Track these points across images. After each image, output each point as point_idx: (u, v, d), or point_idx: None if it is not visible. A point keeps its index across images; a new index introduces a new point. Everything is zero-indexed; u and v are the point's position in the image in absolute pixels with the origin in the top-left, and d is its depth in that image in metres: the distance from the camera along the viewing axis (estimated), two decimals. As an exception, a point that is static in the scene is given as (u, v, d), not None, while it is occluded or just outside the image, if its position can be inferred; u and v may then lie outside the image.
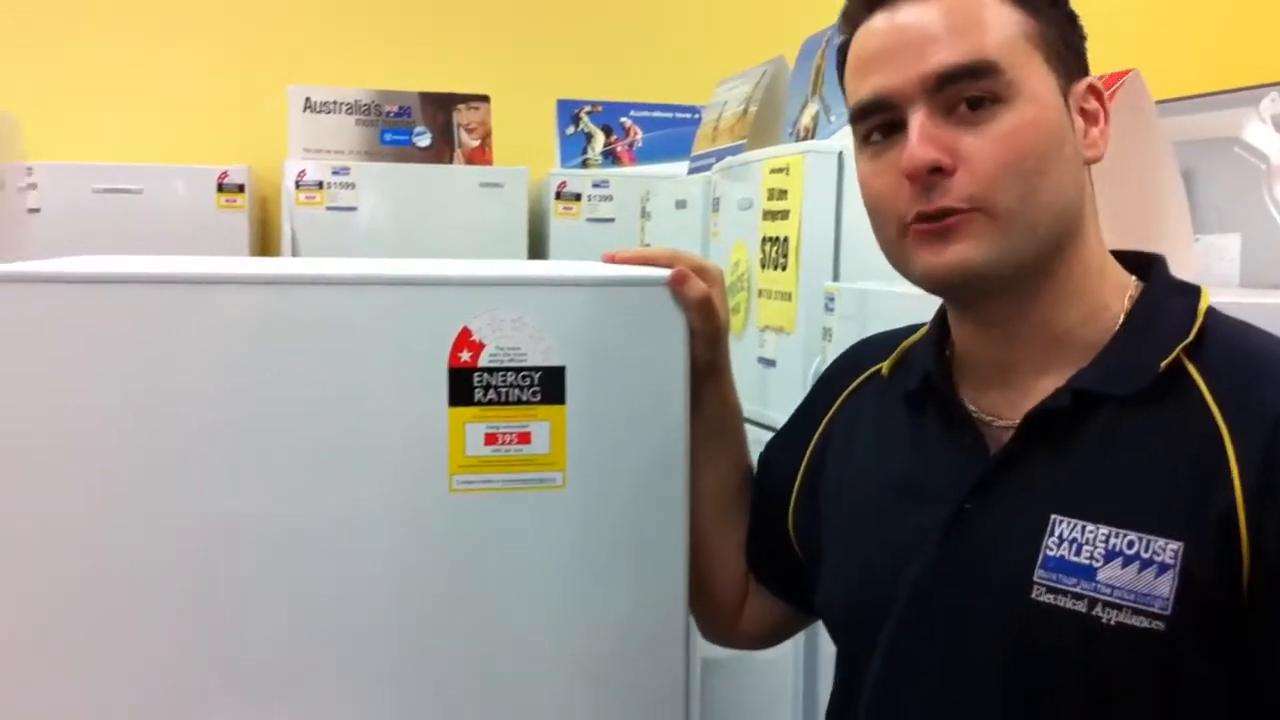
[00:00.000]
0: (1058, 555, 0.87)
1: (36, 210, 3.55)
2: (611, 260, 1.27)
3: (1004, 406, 0.96)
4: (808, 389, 1.87)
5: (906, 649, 0.94)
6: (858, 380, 1.12)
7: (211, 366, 1.13)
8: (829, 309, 1.82)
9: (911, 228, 0.93)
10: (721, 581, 1.24)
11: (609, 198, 4.02)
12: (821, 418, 1.14)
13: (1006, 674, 0.89)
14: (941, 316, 1.04)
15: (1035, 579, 0.87)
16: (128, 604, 1.12)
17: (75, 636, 1.11)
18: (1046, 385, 0.93)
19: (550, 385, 1.17)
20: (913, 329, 1.10)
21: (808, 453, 1.14)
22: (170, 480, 1.12)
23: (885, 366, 1.09)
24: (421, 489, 1.16)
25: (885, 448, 1.03)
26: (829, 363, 1.72)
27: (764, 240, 2.09)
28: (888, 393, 1.06)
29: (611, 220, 3.97)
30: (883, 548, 0.98)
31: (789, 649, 1.86)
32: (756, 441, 1.28)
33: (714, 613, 1.26)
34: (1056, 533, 0.87)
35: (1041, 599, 0.87)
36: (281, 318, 1.14)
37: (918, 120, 0.91)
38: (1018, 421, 0.93)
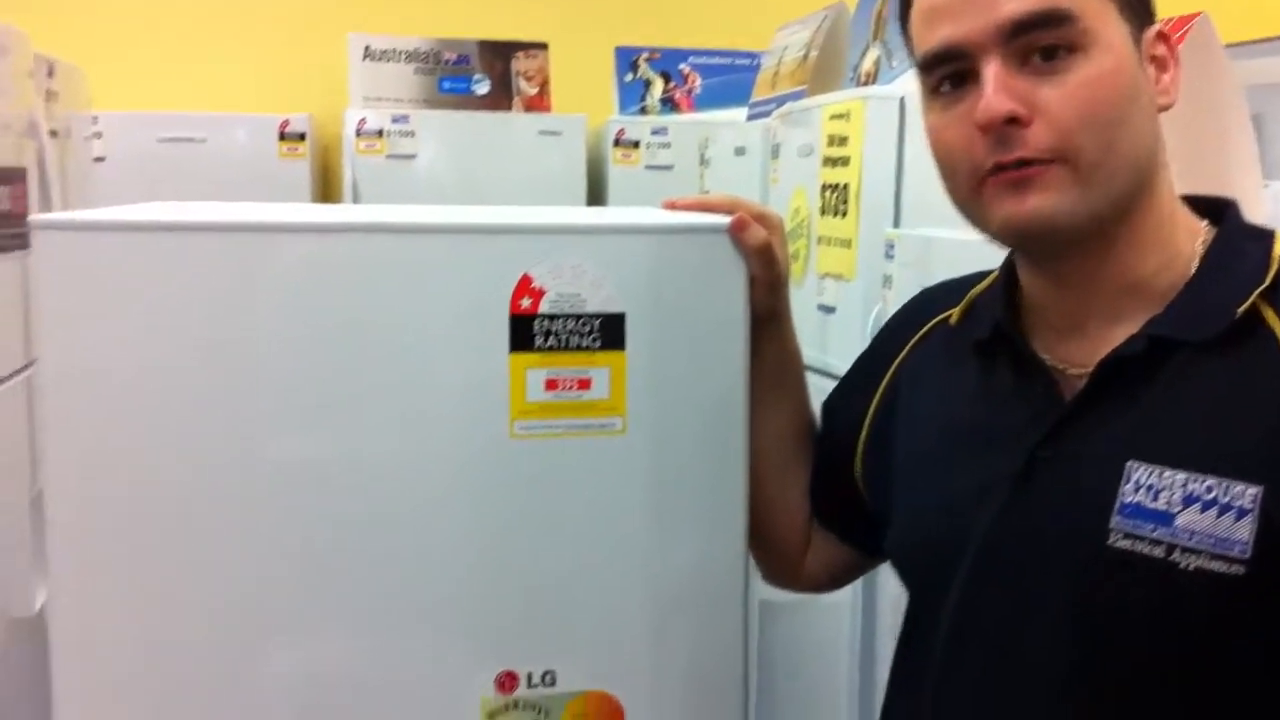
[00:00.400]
0: (1134, 501, 0.86)
1: (102, 159, 3.60)
2: (671, 207, 1.27)
3: (1076, 354, 0.95)
4: (868, 337, 1.87)
5: (978, 595, 0.95)
6: (925, 329, 1.12)
7: (276, 313, 1.14)
8: (889, 256, 1.81)
9: (989, 179, 0.92)
10: (784, 527, 1.25)
11: (667, 145, 4.01)
12: (888, 366, 1.14)
13: (1079, 621, 0.89)
14: (1010, 264, 1.04)
15: (1112, 525, 0.87)
16: (197, 545, 1.15)
17: (145, 578, 1.14)
18: (1119, 333, 0.92)
19: (610, 331, 1.18)
20: (980, 276, 1.10)
21: (874, 400, 1.14)
22: (236, 426, 1.14)
23: (954, 315, 1.08)
24: (483, 434, 1.17)
25: (954, 396, 1.03)
26: (892, 311, 1.72)
27: (824, 187, 2.08)
28: (956, 341, 1.06)
29: (670, 168, 3.96)
30: (953, 495, 0.98)
31: (847, 593, 1.87)
32: (817, 389, 1.28)
33: (776, 558, 1.27)
34: (1133, 479, 0.87)
35: (1118, 545, 0.86)
36: (345, 265, 1.15)
37: (992, 70, 0.90)
38: (1091, 369, 0.92)
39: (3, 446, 1.69)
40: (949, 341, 1.08)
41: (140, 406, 1.12)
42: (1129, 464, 0.87)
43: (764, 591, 1.43)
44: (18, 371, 1.85)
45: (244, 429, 1.14)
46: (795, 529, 1.25)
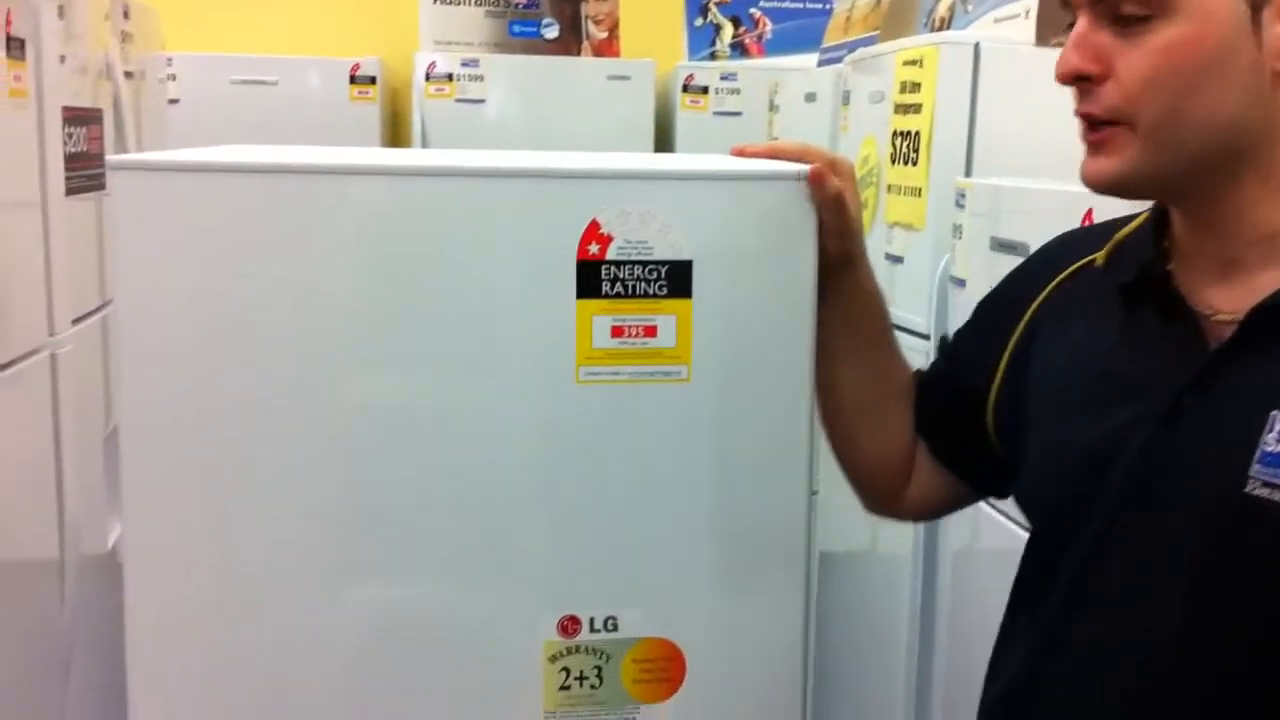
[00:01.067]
0: (1276, 451, 0.86)
1: (176, 101, 3.63)
2: (741, 154, 1.26)
3: (1224, 301, 0.94)
4: (937, 287, 1.85)
5: (1109, 538, 0.94)
6: (1065, 272, 1.10)
7: (346, 256, 1.15)
8: (960, 205, 1.79)
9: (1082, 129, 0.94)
10: (879, 463, 1.25)
11: (737, 91, 3.98)
12: (1024, 309, 1.12)
13: (1207, 566, 0.89)
14: (1161, 207, 1.02)
15: (1251, 473, 0.86)
16: (267, 485, 1.16)
17: (217, 517, 1.16)
18: (1269, 281, 0.91)
19: (677, 279, 1.18)
20: (1127, 220, 1.08)
21: (1010, 343, 1.12)
22: (307, 367, 1.16)
23: (1100, 257, 1.07)
24: (549, 380, 1.18)
25: (1097, 339, 1.02)
26: (960, 262, 1.71)
27: (895, 134, 2.05)
28: (1100, 284, 1.04)
29: (739, 114, 3.93)
30: (1092, 439, 0.97)
31: (908, 545, 1.87)
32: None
33: (873, 490, 1.27)
34: (1276, 428, 0.86)
35: (1255, 493, 0.86)
36: (414, 209, 1.16)
37: (1078, 26, 0.92)
38: (1240, 316, 0.91)
39: (79, 385, 1.72)
40: (1092, 285, 1.06)
41: (214, 346, 1.14)
42: (1273, 414, 0.87)
43: (824, 543, 1.44)
44: (94, 311, 1.88)
45: (315, 370, 1.16)
46: (892, 464, 1.24)
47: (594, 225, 1.16)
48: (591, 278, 1.17)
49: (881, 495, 1.28)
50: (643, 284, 1.17)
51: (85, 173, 1.83)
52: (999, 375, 1.13)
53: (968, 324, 1.22)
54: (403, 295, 1.16)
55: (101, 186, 1.91)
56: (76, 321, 1.76)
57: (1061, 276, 1.10)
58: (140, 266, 1.13)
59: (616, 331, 1.18)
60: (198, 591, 1.17)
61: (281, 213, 1.14)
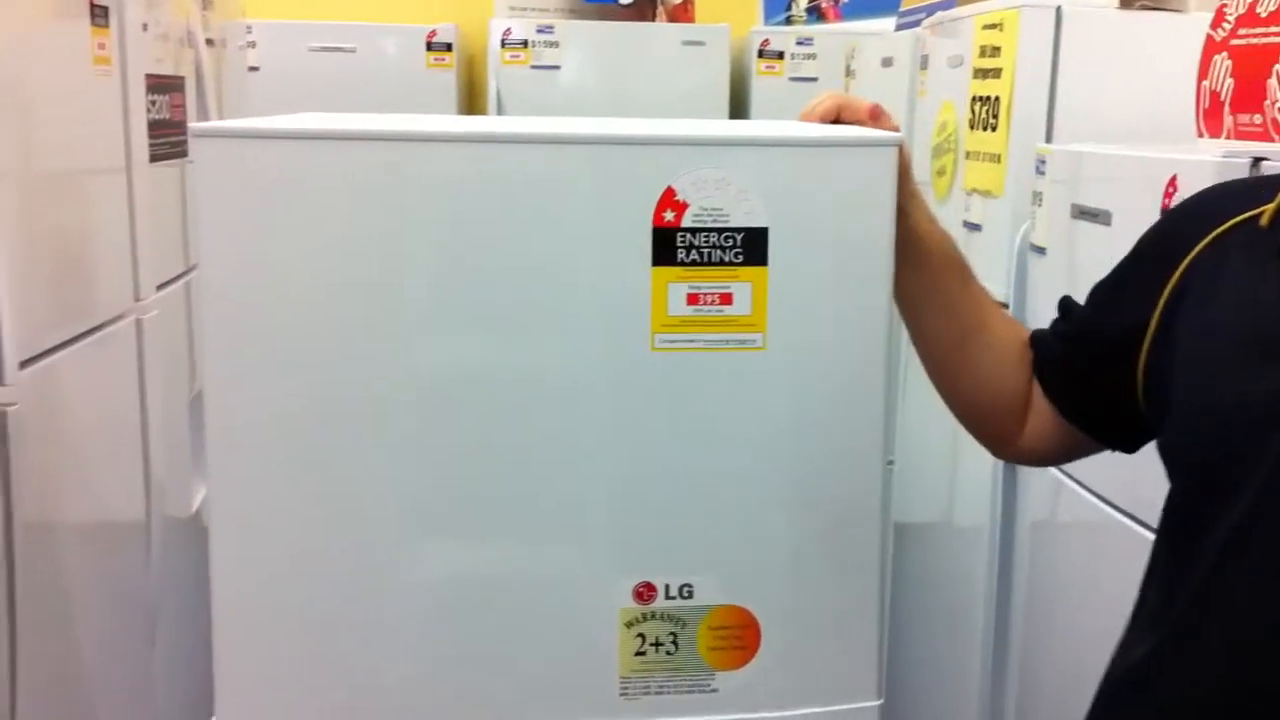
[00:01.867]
0: None
1: (255, 69, 3.67)
2: (808, 119, 1.25)
3: None
4: (1016, 255, 1.83)
5: (1263, 500, 0.92)
6: (1221, 228, 1.06)
7: (423, 222, 1.16)
8: (1040, 172, 1.77)
9: None
10: (984, 403, 1.22)
11: (812, 56, 3.94)
12: (1176, 265, 1.08)
13: None
14: None
15: None
16: (348, 449, 1.18)
17: (299, 480, 1.18)
18: None
19: (753, 246, 1.17)
20: None
21: (1162, 298, 1.08)
22: (386, 332, 1.17)
23: (1265, 215, 1.03)
24: (624, 347, 1.18)
25: (1256, 298, 0.99)
26: (1040, 230, 1.68)
27: (974, 100, 2.02)
28: (1262, 243, 1.01)
29: (815, 80, 3.89)
30: (1252, 400, 0.95)
31: (985, 517, 1.85)
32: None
33: (984, 433, 1.25)
34: None
35: None
36: (490, 175, 1.16)
37: None
38: None
39: (163, 350, 1.75)
40: (1253, 242, 1.02)
41: (294, 311, 1.16)
42: None
43: (899, 513, 1.43)
44: (178, 277, 1.91)
45: (394, 335, 1.17)
46: (998, 406, 1.22)
47: (669, 192, 1.16)
48: (667, 245, 1.16)
49: (994, 438, 1.26)
50: (718, 251, 1.17)
51: (168, 140, 1.86)
52: (1152, 328, 1.08)
53: (1114, 275, 1.18)
54: (480, 262, 1.17)
55: (184, 154, 1.94)
56: (161, 287, 1.79)
57: (1219, 231, 1.06)
58: (222, 233, 1.15)
59: (692, 299, 1.18)
60: (280, 552, 1.19)
61: (360, 179, 1.15)
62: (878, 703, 1.29)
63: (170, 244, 1.90)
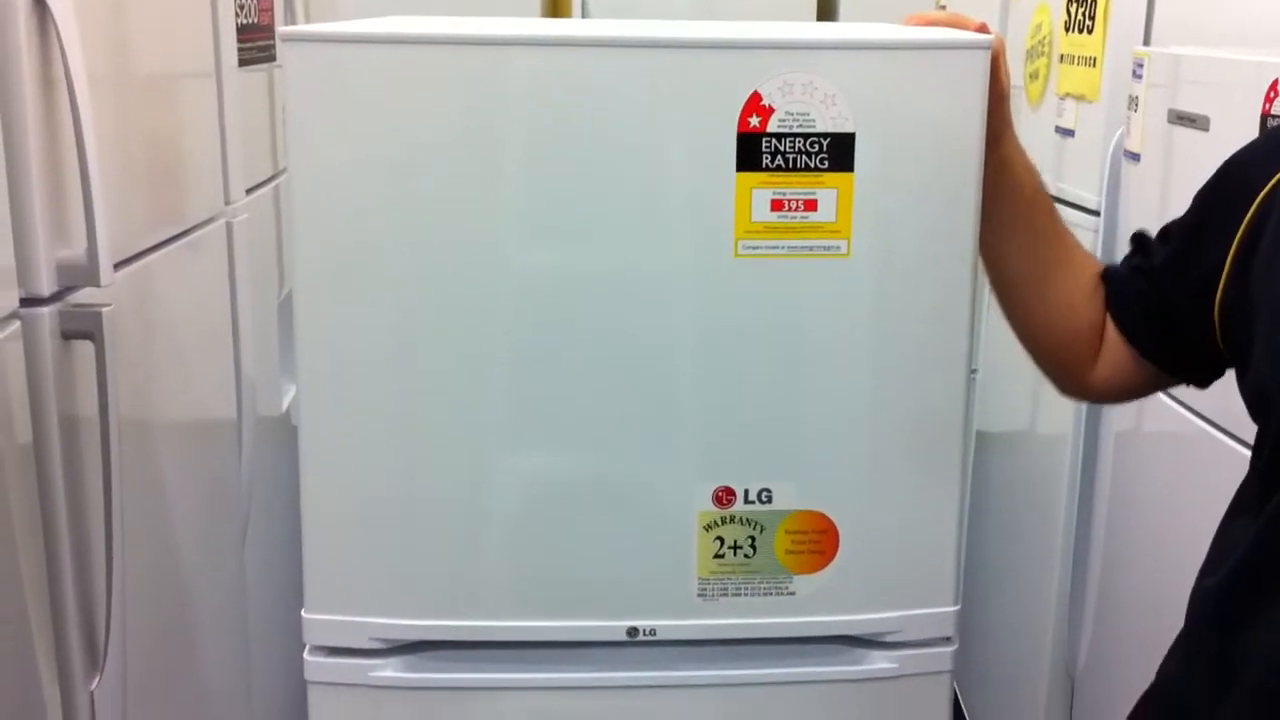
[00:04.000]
0: None
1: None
2: (917, 22, 1.23)
3: None
4: (1110, 163, 1.79)
5: None
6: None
7: (509, 126, 1.16)
8: (1137, 75, 1.72)
9: None
10: (1057, 338, 1.20)
11: (903, -43, 3.85)
12: (1250, 202, 1.06)
13: None
14: None
15: None
16: (436, 348, 1.20)
17: (388, 378, 1.20)
18: None
19: (839, 152, 1.16)
20: None
21: (1236, 239, 1.07)
22: (473, 236, 1.18)
23: None
24: (707, 252, 1.18)
25: None
26: (1135, 135, 1.63)
27: (1070, 1, 1.97)
28: None
29: (905, -19, 3.81)
30: None
31: (1069, 427, 1.84)
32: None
33: (1056, 368, 1.22)
34: None
35: None
36: (576, 80, 1.16)
37: None
38: None
39: (253, 252, 1.78)
40: None
41: (383, 214, 1.17)
42: None
43: (981, 422, 1.42)
44: (266, 181, 1.93)
45: (480, 238, 1.18)
46: (1072, 341, 1.19)
47: (755, 97, 1.15)
48: (751, 151, 1.16)
49: (1066, 374, 1.24)
50: (804, 157, 1.16)
51: (256, 44, 1.87)
52: (1226, 270, 1.07)
53: (1189, 216, 1.16)
54: (565, 165, 1.17)
55: (272, 58, 1.95)
56: (250, 191, 1.81)
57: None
58: (312, 137, 1.16)
59: (776, 205, 1.17)
60: (368, 451, 1.22)
61: (448, 83, 1.15)
62: (954, 609, 1.30)
63: (259, 149, 1.91)
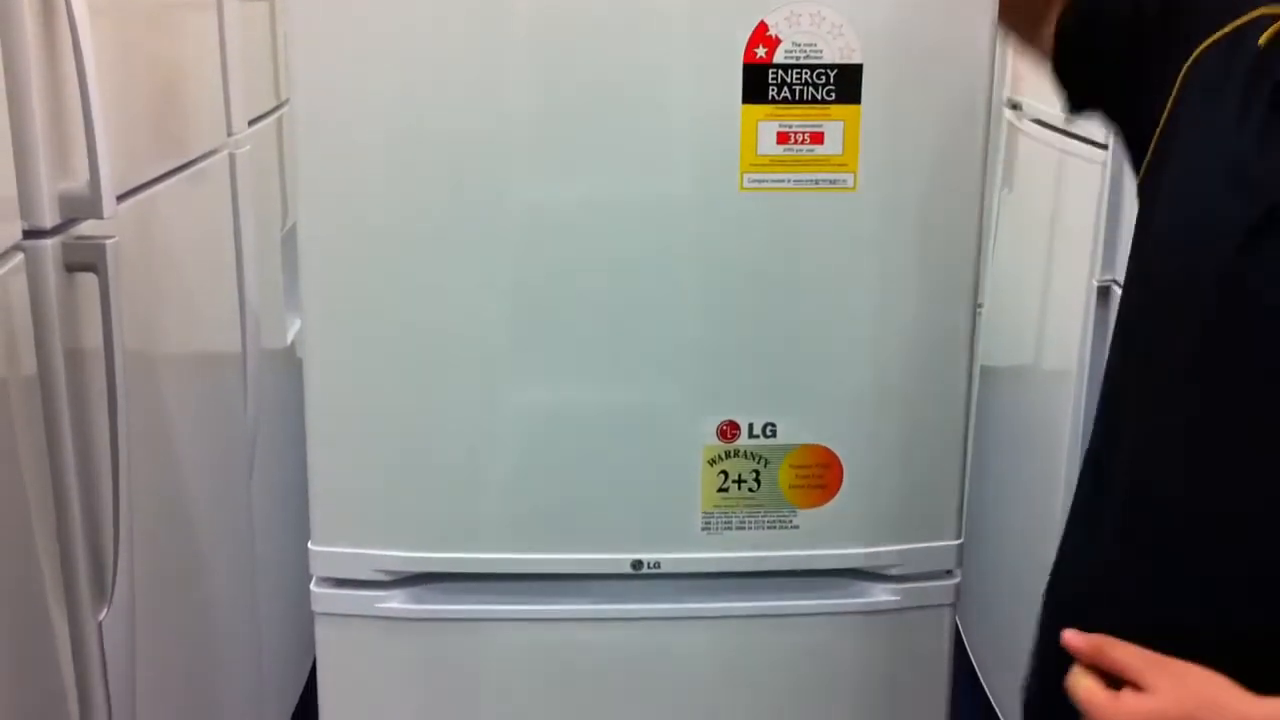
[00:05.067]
0: None
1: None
2: None
3: None
4: None
5: (1215, 334, 0.89)
6: (1221, 32, 0.94)
7: (514, 57, 1.15)
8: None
9: None
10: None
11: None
12: (1181, 62, 0.97)
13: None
14: None
15: None
16: (441, 280, 1.20)
17: (391, 311, 1.20)
18: None
19: (846, 84, 1.15)
20: None
21: (1169, 101, 1.01)
22: (477, 167, 1.17)
23: (1265, 38, 0.95)
24: (712, 186, 1.18)
25: (1235, 129, 0.93)
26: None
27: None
28: (1251, 65, 0.94)
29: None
30: (1202, 232, 0.91)
31: (1073, 363, 1.84)
32: None
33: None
34: None
35: None
36: (580, 7, 1.14)
37: None
38: None
39: (256, 185, 1.77)
40: (1248, 61, 0.92)
41: (387, 147, 1.16)
42: None
43: (985, 357, 1.42)
44: (269, 112, 1.92)
45: (485, 169, 1.17)
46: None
47: (761, 27, 1.13)
48: (758, 82, 1.15)
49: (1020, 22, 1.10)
50: (810, 89, 1.15)
51: (257, -26, 1.85)
52: (1161, 124, 0.98)
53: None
54: (569, 96, 1.16)
55: (273, -12, 1.93)
56: (253, 123, 1.80)
57: (1216, 37, 0.95)
58: (315, 69, 1.15)
59: (782, 138, 1.16)
60: (373, 383, 1.22)
61: (451, 14, 1.14)
62: (956, 542, 1.31)
63: (261, 80, 1.90)
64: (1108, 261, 1.74)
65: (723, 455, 1.25)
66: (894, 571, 1.31)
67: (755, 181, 1.17)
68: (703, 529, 1.26)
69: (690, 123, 1.17)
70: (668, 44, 1.15)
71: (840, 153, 1.17)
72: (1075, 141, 1.82)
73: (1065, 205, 1.92)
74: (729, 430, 1.24)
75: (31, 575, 1.09)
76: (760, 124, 1.16)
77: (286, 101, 1.98)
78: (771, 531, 1.27)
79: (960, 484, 1.29)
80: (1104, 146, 1.78)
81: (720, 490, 1.26)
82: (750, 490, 1.26)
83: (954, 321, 1.23)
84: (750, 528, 1.27)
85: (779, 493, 1.26)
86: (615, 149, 1.17)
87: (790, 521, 1.27)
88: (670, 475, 1.25)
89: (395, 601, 1.27)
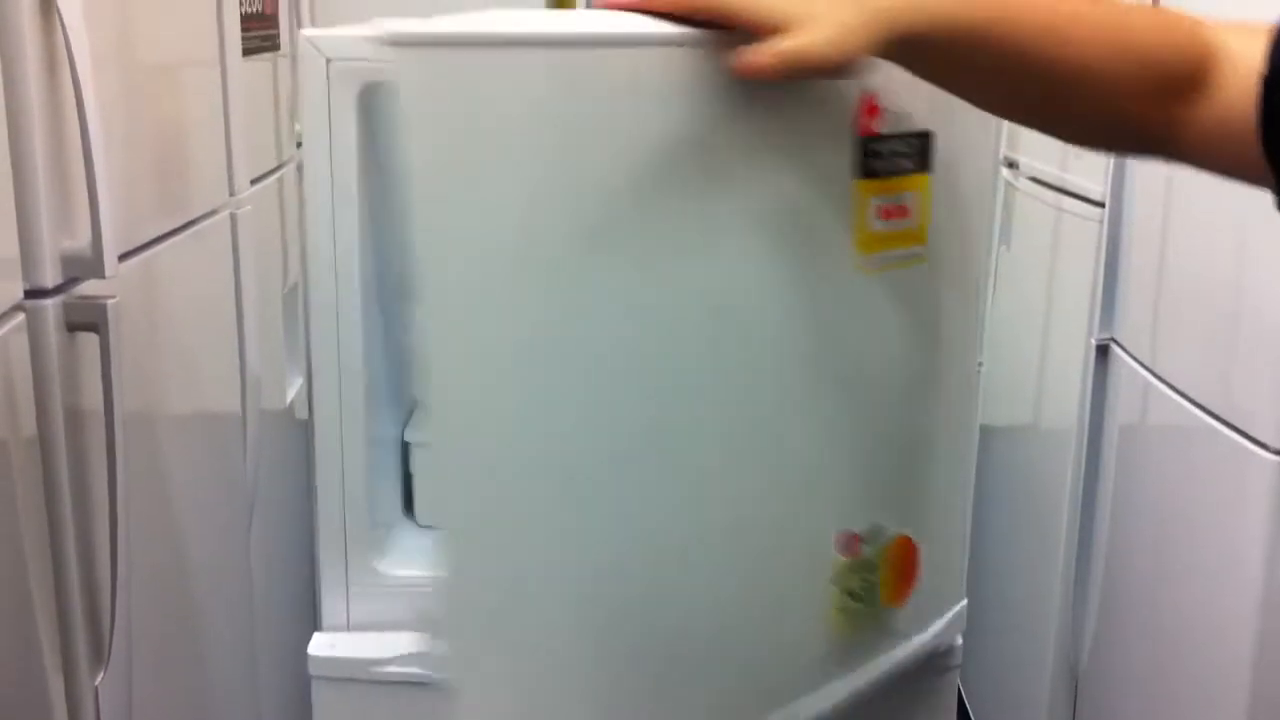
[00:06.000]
0: None
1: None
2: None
3: None
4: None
5: None
6: None
7: (619, 130, 0.87)
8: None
9: None
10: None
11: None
12: None
13: None
14: None
15: None
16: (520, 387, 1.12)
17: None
18: None
19: (923, 151, 1.04)
20: None
21: None
22: (583, 259, 0.88)
23: None
24: (828, 272, 1.01)
25: None
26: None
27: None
28: None
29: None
30: None
31: (1072, 420, 1.83)
32: None
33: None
34: None
35: None
36: (685, 79, 0.88)
37: None
38: None
39: (257, 244, 1.77)
40: None
41: (479, 232, 0.85)
42: None
43: (985, 415, 1.41)
44: (271, 172, 1.92)
45: (589, 261, 0.88)
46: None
47: (869, 97, 0.98)
48: (870, 155, 0.99)
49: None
50: (901, 159, 1.02)
51: (261, 34, 1.86)
52: None
53: None
54: (679, 176, 0.90)
55: (276, 48, 1.94)
56: (255, 182, 1.81)
57: None
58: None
59: (885, 213, 1.02)
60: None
61: (544, 88, 0.84)
62: (961, 604, 1.30)
63: (263, 139, 1.91)
64: (1105, 320, 1.74)
65: (846, 570, 1.07)
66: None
67: (868, 262, 1.02)
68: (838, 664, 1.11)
69: (802, 200, 0.98)
70: (777, 116, 0.94)
71: (916, 225, 1.05)
72: (1071, 199, 1.83)
73: (1063, 263, 1.92)
74: (851, 542, 1.07)
75: (28, 637, 1.08)
76: (872, 200, 1.01)
77: (288, 161, 1.99)
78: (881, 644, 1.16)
79: (962, 545, 1.28)
80: (1100, 204, 1.78)
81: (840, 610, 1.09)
82: (866, 605, 1.11)
83: (960, 382, 1.21)
84: (872, 653, 1.15)
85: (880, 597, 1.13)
86: (723, 228, 0.94)
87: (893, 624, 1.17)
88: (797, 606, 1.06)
89: (395, 666, 1.26)
